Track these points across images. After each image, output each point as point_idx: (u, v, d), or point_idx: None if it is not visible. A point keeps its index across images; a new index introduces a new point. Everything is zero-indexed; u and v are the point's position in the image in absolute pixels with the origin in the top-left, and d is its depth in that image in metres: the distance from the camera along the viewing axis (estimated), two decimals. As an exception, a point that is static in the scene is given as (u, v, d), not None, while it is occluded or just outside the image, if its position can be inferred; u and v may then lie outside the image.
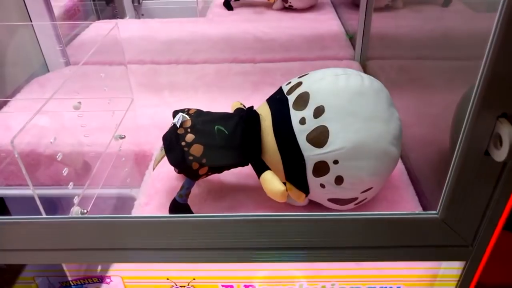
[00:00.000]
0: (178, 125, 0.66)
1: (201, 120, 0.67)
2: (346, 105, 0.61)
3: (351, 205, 0.67)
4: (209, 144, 0.65)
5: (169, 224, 0.47)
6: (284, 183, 0.67)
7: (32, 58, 1.26)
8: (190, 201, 0.74)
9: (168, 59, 1.27)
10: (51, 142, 0.59)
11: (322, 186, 0.63)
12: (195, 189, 0.78)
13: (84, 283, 0.53)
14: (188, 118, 0.66)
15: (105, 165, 0.79)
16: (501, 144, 0.36)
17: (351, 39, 1.31)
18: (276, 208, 0.71)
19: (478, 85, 0.36)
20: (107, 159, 0.80)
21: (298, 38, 1.33)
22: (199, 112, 0.69)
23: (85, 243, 0.49)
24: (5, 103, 1.08)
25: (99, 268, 0.57)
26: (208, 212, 0.72)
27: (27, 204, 1.01)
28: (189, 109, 0.70)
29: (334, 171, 0.61)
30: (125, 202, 0.81)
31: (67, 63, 1.28)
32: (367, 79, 0.64)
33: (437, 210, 0.44)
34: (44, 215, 0.48)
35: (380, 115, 0.61)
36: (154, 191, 0.78)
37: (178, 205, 0.70)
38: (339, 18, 1.51)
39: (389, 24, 1.05)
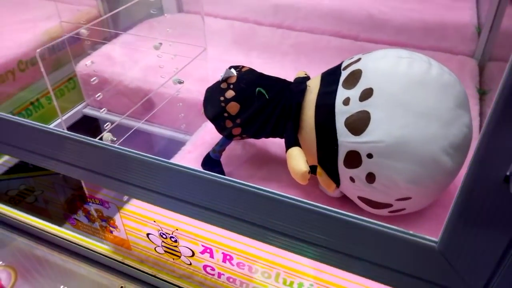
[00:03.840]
0: (222, 79, 0.64)
1: (247, 79, 0.64)
2: (399, 93, 0.52)
3: (385, 211, 0.58)
4: (246, 105, 0.62)
5: (181, 174, 0.44)
6: (316, 166, 0.61)
7: (151, 1, 1.36)
8: (228, 160, 0.73)
9: (271, 21, 1.24)
10: (86, 65, 0.62)
11: (352, 180, 0.56)
12: (237, 151, 0.76)
13: (89, 202, 0.56)
14: (235, 74, 0.64)
15: (158, 103, 0.82)
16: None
17: (480, 33, 1.11)
18: (307, 192, 0.66)
19: (502, 86, 0.26)
20: (161, 99, 0.83)
21: (417, 22, 1.18)
22: (250, 71, 0.66)
23: (99, 167, 0.51)
24: (115, 36, 1.18)
25: (125, 198, 0.60)
26: (238, 176, 0.70)
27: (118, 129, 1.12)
28: (242, 67, 0.67)
29: (366, 165, 0.53)
30: (177, 146, 0.84)
31: (180, 10, 1.34)
32: (436, 68, 0.53)
33: (438, 238, 0.35)
34: (64, 128, 0.51)
35: (440, 114, 0.51)
36: (201, 142, 0.79)
37: (210, 160, 0.69)
38: (478, 8, 1.29)
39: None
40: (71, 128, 1.12)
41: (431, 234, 0.61)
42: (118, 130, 0.82)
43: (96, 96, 0.67)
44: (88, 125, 1.17)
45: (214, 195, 0.43)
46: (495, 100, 0.27)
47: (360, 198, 0.58)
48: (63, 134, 0.50)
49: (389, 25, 1.18)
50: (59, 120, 1.07)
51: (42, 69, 0.49)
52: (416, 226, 0.61)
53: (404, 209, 0.57)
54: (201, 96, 0.91)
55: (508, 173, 0.29)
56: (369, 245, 0.38)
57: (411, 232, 0.36)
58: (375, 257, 0.38)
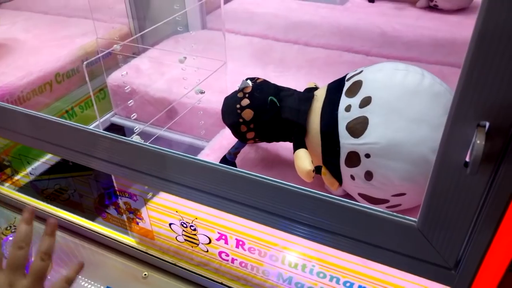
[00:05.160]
0: (239, 89, 0.71)
1: (261, 89, 0.71)
2: (394, 101, 0.58)
3: (382, 207, 0.64)
4: (259, 111, 0.69)
5: (205, 168, 0.50)
6: (321, 167, 0.68)
7: (178, 19, 1.46)
8: (243, 162, 0.80)
9: (288, 38, 1.32)
10: (122, 75, 0.70)
11: (352, 177, 0.62)
12: (251, 153, 0.83)
13: (119, 195, 0.64)
14: (250, 84, 0.71)
15: (180, 111, 0.90)
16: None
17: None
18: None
19: (458, 85, 0.32)
20: (183, 108, 0.91)
21: (427, 39, 1.24)
22: (264, 82, 0.73)
23: (128, 162, 0.58)
24: (144, 50, 1.28)
25: (150, 193, 0.68)
26: (251, 176, 0.77)
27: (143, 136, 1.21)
28: (258, 78, 0.75)
29: (365, 164, 0.60)
30: (196, 151, 0.91)
31: (204, 27, 1.44)
32: (429, 79, 0.59)
33: (417, 218, 0.40)
34: (101, 130, 0.59)
35: (430, 119, 0.57)
36: (218, 146, 0.86)
37: (226, 161, 0.76)
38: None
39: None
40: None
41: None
42: (143, 137, 0.90)
43: (128, 102, 0.76)
44: (116, 132, 1.26)
45: (232, 186, 0.50)
46: (453, 99, 0.34)
47: (360, 194, 0.64)
48: (102, 134, 0.58)
49: (400, 41, 1.24)
50: (94, 124, 1.17)
51: (87, 78, 0.57)
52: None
53: (400, 204, 0.63)
54: (220, 106, 0.99)
55: (467, 160, 0.35)
56: (357, 225, 0.44)
57: (394, 213, 0.42)
58: (363, 235, 0.44)
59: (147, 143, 0.55)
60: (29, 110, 0.64)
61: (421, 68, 0.62)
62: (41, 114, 0.63)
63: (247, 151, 0.83)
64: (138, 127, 0.78)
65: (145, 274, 0.70)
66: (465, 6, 1.45)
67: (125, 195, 0.63)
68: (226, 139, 0.88)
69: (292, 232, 0.48)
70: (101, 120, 1.23)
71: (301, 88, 0.77)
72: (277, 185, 0.46)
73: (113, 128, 1.23)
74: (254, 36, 1.35)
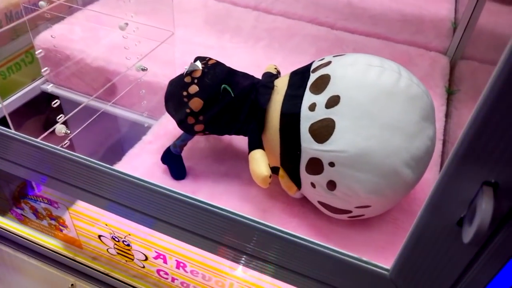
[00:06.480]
0: (186, 73, 0.60)
1: (212, 74, 0.60)
2: (366, 103, 0.50)
3: (344, 216, 0.58)
4: (210, 102, 0.59)
5: (130, 183, 0.42)
6: (278, 168, 0.60)
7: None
8: (190, 153, 0.70)
9: (247, 2, 1.19)
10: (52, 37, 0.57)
11: (313, 185, 0.55)
12: (201, 143, 0.74)
13: (37, 200, 0.53)
14: (200, 68, 0.61)
15: (120, 89, 0.78)
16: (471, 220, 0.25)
17: (456, 29, 1.10)
18: (269, 190, 0.65)
19: (467, 130, 0.24)
20: (124, 84, 0.79)
21: (395, 14, 1.16)
22: (216, 65, 0.63)
23: (45, 168, 0.47)
24: (77, 9, 1.11)
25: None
26: (198, 171, 0.68)
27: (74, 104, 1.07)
28: (209, 59, 0.64)
29: (327, 173, 0.52)
30: (140, 129, 0.80)
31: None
32: (405, 79, 0.52)
33: (390, 267, 0.34)
34: (13, 130, 0.46)
35: (405, 126, 0.50)
36: (163, 132, 0.76)
37: (170, 155, 0.66)
38: (456, 2, 1.28)
39: (506, 19, 0.85)
40: (29, 104, 1.07)
41: (388, 236, 0.61)
42: (79, 112, 0.78)
43: (44, 71, 0.62)
44: (48, 103, 1.11)
45: (160, 204, 0.41)
46: (457, 144, 0.26)
47: (320, 203, 0.57)
48: (7, 133, 0.46)
49: (366, 15, 1.15)
50: (15, 96, 1.01)
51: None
52: (375, 228, 0.61)
53: (363, 215, 0.57)
54: (166, 81, 0.88)
55: (462, 215, 0.28)
56: (325, 269, 0.37)
57: (364, 259, 0.35)
58: (331, 280, 0.37)
59: (59, 148, 0.44)
60: None
61: (398, 64, 0.54)
62: None
63: (196, 139, 0.73)
64: (62, 115, 0.65)
65: (72, 285, 0.61)
66: (433, -22, 1.38)
67: (44, 201, 0.53)
68: (172, 122, 0.77)
69: (254, 268, 0.40)
70: (30, 87, 1.07)
71: (260, 64, 0.68)
72: (217, 211, 0.38)
73: (46, 96, 1.08)
74: (209, -3, 1.21)
